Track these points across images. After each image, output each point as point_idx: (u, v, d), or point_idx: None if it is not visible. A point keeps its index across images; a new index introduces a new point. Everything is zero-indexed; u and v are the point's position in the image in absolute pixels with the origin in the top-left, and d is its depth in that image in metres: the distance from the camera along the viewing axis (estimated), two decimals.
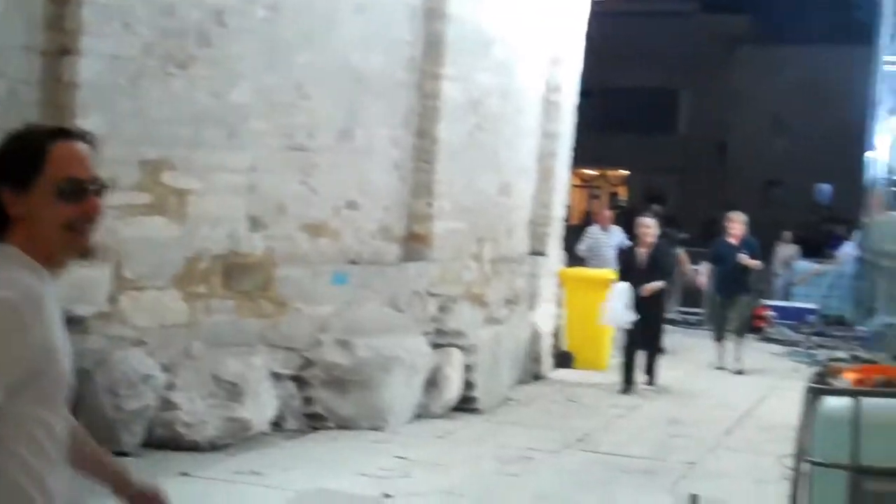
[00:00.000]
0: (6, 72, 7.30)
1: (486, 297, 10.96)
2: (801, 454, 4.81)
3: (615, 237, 15.61)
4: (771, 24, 38.14)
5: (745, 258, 13.67)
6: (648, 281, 11.75)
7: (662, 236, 14.96)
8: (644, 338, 11.88)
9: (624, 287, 11.68)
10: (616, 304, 11.65)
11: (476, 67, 10.65)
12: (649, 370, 12.06)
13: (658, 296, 12.05)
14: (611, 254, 14.76)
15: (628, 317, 11.57)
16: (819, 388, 4.67)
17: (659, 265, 12.08)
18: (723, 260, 14.11)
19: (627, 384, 11.66)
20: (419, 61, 10.10)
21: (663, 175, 39.78)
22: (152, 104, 7.85)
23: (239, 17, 8.33)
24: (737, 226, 14.06)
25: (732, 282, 14.01)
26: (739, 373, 13.52)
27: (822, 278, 22.23)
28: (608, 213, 16.77)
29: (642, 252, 12.08)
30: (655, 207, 15.86)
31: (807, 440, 4.68)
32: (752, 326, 15.46)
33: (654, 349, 12.15)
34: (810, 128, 36.30)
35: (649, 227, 12.23)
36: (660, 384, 11.99)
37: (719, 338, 14.07)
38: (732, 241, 13.96)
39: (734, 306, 13.97)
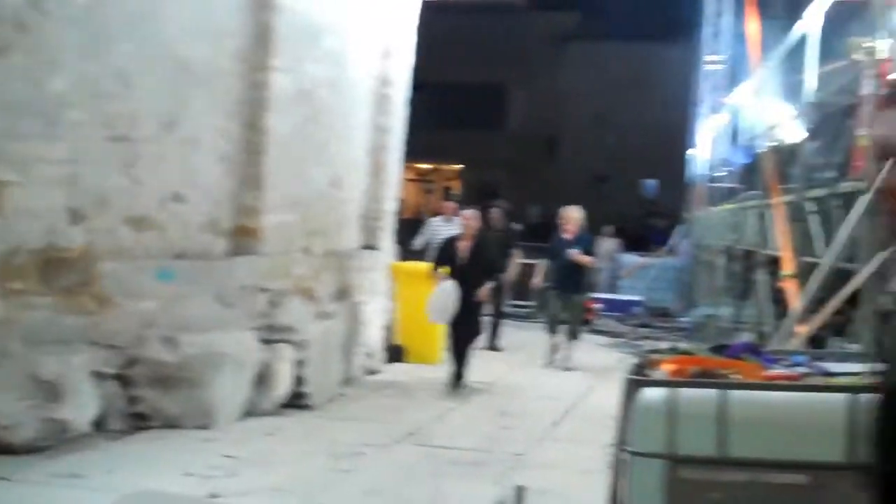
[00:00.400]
0: None
1: (316, 291, 10.83)
2: (620, 444, 4.88)
3: (456, 228, 15.20)
4: (599, 21, 38.94)
5: (575, 254, 13.46)
6: (470, 275, 11.39)
7: (505, 231, 15.15)
8: (463, 333, 11.58)
9: (448, 285, 11.38)
10: (439, 302, 11.40)
11: (306, 59, 10.52)
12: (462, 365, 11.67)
13: (476, 288, 11.52)
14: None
15: (449, 314, 11.35)
16: (637, 380, 4.74)
17: (482, 259, 11.72)
18: (556, 256, 13.87)
19: (455, 380, 11.45)
20: (248, 51, 9.89)
21: (495, 170, 40.27)
22: None
23: (58, 4, 7.99)
24: (570, 221, 13.81)
25: (566, 279, 13.70)
26: (567, 370, 13.37)
27: (646, 271, 22.85)
28: (452, 204, 16.42)
29: (464, 245, 11.76)
30: (500, 202, 15.70)
31: (626, 430, 4.75)
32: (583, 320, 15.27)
33: (469, 344, 11.71)
34: (637, 124, 37.24)
35: (470, 218, 11.98)
36: (487, 379, 12.06)
37: (552, 331, 13.86)
38: (567, 236, 13.73)
39: (569, 304, 13.73)
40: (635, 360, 5.17)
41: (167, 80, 9.05)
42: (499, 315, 15.18)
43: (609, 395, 11.02)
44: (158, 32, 8.91)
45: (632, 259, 23.75)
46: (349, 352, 11.27)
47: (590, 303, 18.80)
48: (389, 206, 13.10)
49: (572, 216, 13.82)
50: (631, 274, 23.04)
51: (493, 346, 14.81)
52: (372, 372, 12.10)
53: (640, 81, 36.46)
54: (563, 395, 11.40)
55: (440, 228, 15.28)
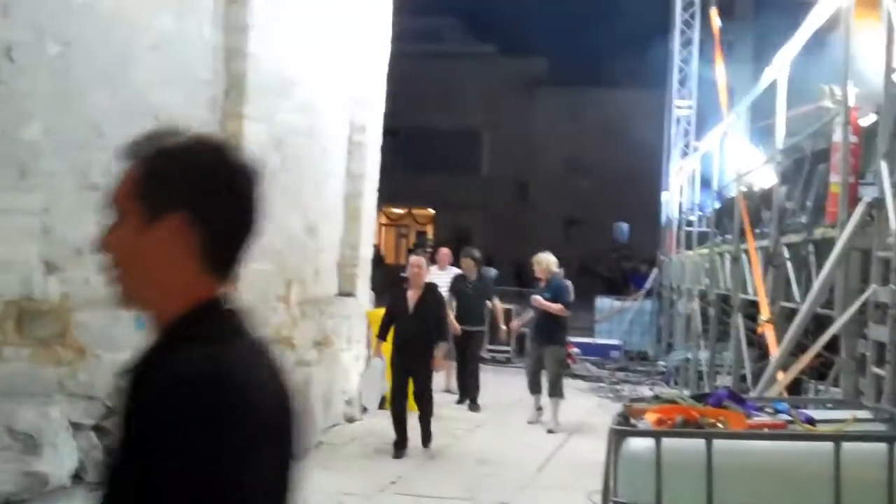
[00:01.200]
0: None
1: (294, 339, 10.76)
2: (607, 494, 4.86)
3: (450, 277, 14.73)
4: (568, 68, 39.29)
5: (538, 300, 12.62)
6: (417, 331, 10.45)
7: (480, 279, 14.88)
8: (419, 395, 10.67)
9: (378, 365, 10.55)
10: (368, 383, 10.64)
11: (279, 108, 10.53)
12: (425, 431, 10.66)
13: (425, 347, 10.53)
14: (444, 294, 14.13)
15: (379, 396, 10.70)
16: (622, 430, 4.73)
17: (430, 312, 10.59)
18: (530, 304, 13.23)
19: (399, 445, 10.45)
20: (220, 100, 9.91)
21: (469, 213, 40.35)
22: None
23: (29, 53, 7.95)
24: (540, 267, 12.91)
25: (539, 328, 12.85)
26: (551, 432, 12.11)
27: (623, 314, 22.87)
28: (446, 252, 15.70)
29: (412, 296, 10.70)
30: (471, 251, 14.82)
31: (612, 480, 4.73)
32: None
33: (428, 407, 10.74)
34: (608, 168, 37.47)
35: (420, 266, 10.83)
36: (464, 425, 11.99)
37: (532, 389, 12.89)
38: (540, 283, 12.89)
39: (543, 355, 12.68)
40: (619, 410, 5.16)
41: (141, 130, 8.89)
42: (474, 364, 14.34)
43: (590, 440, 11.09)
44: (131, 81, 8.89)
45: (608, 303, 23.78)
46: (329, 400, 11.19)
47: (568, 349, 18.84)
48: (365, 253, 13.06)
49: (542, 261, 12.97)
50: (608, 318, 23.06)
51: (471, 402, 13.92)
52: (351, 420, 12.01)
53: (611, 126, 36.71)
54: (543, 441, 11.36)
55: (433, 278, 14.39)
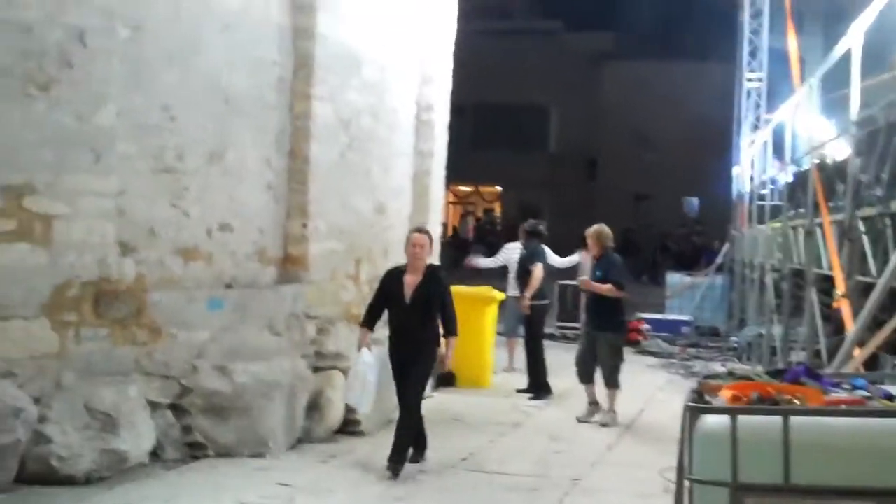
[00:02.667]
0: None
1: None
2: (682, 472, 4.83)
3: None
4: (635, 41, 38.91)
5: (587, 282, 11.15)
6: (415, 318, 8.64)
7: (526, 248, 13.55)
8: (406, 406, 8.76)
9: (369, 360, 8.78)
10: (355, 383, 8.86)
11: (346, 87, 10.56)
12: (396, 447, 8.46)
13: (422, 345, 8.71)
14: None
15: (369, 400, 8.94)
16: (697, 407, 4.69)
17: (430, 302, 8.66)
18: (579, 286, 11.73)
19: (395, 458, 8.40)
20: (289, 81, 9.97)
21: (536, 190, 40.21)
22: (13, 127, 7.57)
23: (101, 38, 8.07)
24: (590, 242, 11.38)
25: (591, 312, 11.31)
26: (605, 426, 10.77)
27: (694, 290, 22.71)
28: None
29: (410, 282, 8.71)
30: (529, 222, 14.02)
31: (687, 458, 4.70)
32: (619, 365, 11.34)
33: (407, 416, 8.69)
34: (677, 142, 37.08)
35: (422, 246, 8.75)
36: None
37: (584, 380, 11.27)
38: (592, 260, 11.52)
39: (596, 343, 11.12)
40: (693, 387, 5.12)
41: (211, 112, 9.12)
42: (531, 343, 13.14)
43: (662, 417, 11.04)
44: (201, 64, 8.99)
45: (679, 278, 23.63)
46: None
47: (637, 323, 18.77)
48: (434, 231, 13.06)
49: (592, 236, 11.35)
50: (678, 294, 22.91)
51: (530, 389, 12.84)
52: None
53: (679, 100, 36.32)
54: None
55: (514, 252, 13.98)
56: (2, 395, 7.21)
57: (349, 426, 9.82)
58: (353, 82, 10.65)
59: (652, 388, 13.53)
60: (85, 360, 7.96)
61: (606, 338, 11.06)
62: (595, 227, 11.39)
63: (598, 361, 11.08)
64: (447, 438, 10.00)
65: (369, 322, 8.91)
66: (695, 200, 37.28)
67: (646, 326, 19.27)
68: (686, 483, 4.75)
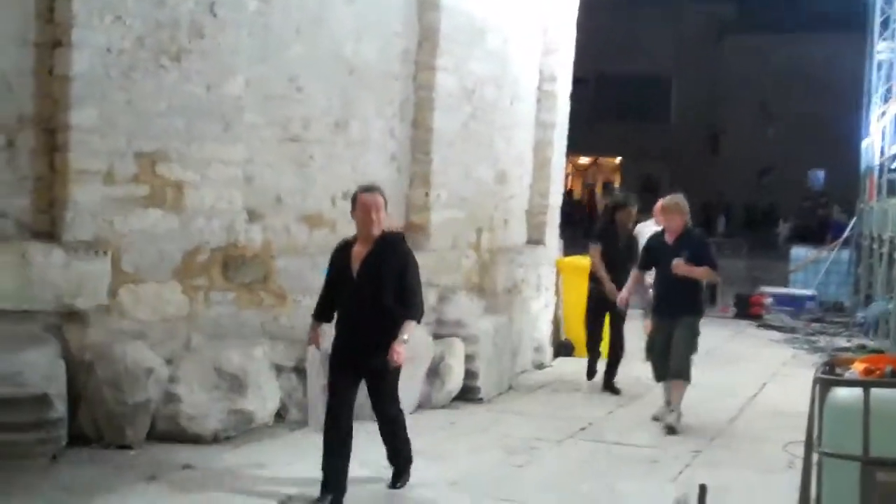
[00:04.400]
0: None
1: (485, 286, 10.90)
2: (811, 445, 4.78)
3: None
4: (759, 13, 38.19)
5: (682, 266, 9.29)
6: (366, 300, 6.62)
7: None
8: (374, 407, 6.97)
9: (315, 358, 8.07)
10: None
11: (470, 57, 10.60)
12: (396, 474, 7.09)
13: (380, 334, 6.59)
14: None
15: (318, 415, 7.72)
16: (829, 380, 4.63)
17: (385, 275, 6.66)
18: (655, 263, 9.77)
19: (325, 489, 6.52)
20: (413, 52, 10.06)
21: (656, 162, 39.83)
22: (146, 97, 7.77)
23: (231, 9, 8.25)
24: (668, 216, 9.68)
25: (668, 298, 9.52)
26: (672, 431, 9.12)
27: (818, 264, 22.28)
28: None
29: (358, 253, 6.74)
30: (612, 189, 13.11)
31: (817, 431, 4.65)
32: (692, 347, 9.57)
33: (391, 434, 7.03)
34: (802, 115, 36.36)
35: (377, 209, 6.67)
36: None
37: (659, 377, 9.68)
38: (666, 237, 9.65)
39: (678, 330, 9.37)
40: (824, 359, 5.06)
41: (336, 82, 9.27)
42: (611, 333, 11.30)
43: (785, 391, 10.90)
44: (326, 35, 9.13)
45: (803, 252, 23.20)
46: (518, 346, 11.29)
47: (759, 297, 18.48)
48: (554, 201, 13.07)
49: (674, 207, 9.66)
50: (802, 268, 22.50)
51: (609, 386, 11.09)
52: (540, 366, 12.11)
53: (804, 72, 35.61)
54: (737, 391, 11.18)
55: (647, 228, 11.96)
56: (134, 356, 7.47)
57: (469, 393, 9.91)
58: (476, 52, 10.68)
59: (775, 363, 13.33)
60: (213, 323, 8.19)
61: (688, 322, 9.40)
62: (672, 197, 9.83)
63: (672, 349, 9.35)
64: (566, 408, 10.03)
65: (321, 313, 7.03)
66: (820, 173, 36.52)
67: (768, 300, 18.99)
68: (815, 457, 4.71)
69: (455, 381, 9.74)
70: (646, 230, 11.27)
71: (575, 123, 13.94)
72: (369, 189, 6.82)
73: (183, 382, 7.76)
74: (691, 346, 9.46)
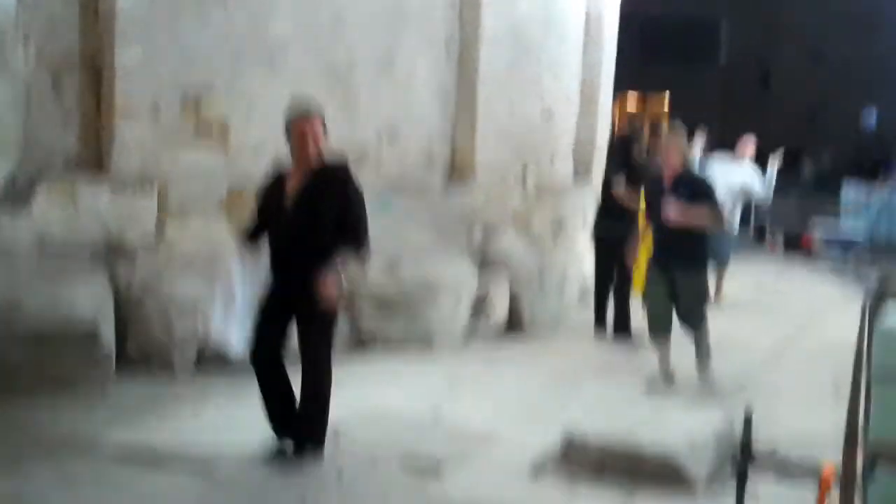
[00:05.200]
0: (45, 2, 7.34)
1: (530, 223, 10.92)
2: (860, 369, 4.74)
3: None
4: None
5: (675, 210, 8.02)
6: (300, 235, 5.91)
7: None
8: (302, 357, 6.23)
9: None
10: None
11: None
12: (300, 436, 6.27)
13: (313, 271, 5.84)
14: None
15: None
16: (881, 296, 4.57)
17: (322, 208, 5.96)
18: (649, 208, 8.64)
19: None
20: None
21: (706, 102, 39.38)
22: (191, 36, 7.85)
23: None
24: (670, 153, 8.31)
25: (667, 247, 8.27)
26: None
27: (870, 203, 22.04)
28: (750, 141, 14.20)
29: (293, 183, 6.06)
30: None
31: (867, 355, 4.61)
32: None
33: (311, 397, 6.25)
34: (855, 55, 35.77)
35: (314, 133, 6.07)
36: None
37: (661, 338, 8.54)
38: (665, 178, 8.30)
39: (677, 285, 8.24)
40: (876, 278, 4.99)
41: (381, 21, 9.28)
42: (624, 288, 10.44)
43: (834, 326, 10.81)
44: None
45: (855, 193, 22.92)
46: (563, 284, 11.31)
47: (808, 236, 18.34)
48: (601, 141, 13.02)
49: (672, 143, 8.43)
50: (853, 208, 22.24)
51: (621, 329, 10.31)
52: (585, 303, 12.11)
53: (859, 10, 34.97)
54: (784, 324, 11.15)
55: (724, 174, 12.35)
56: (182, 288, 7.63)
57: (512, 328, 9.99)
58: None
59: (823, 300, 13.25)
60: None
61: (691, 281, 8.28)
62: (672, 128, 9.17)
63: (680, 309, 8.31)
64: (609, 343, 10.06)
65: (250, 236, 6.27)
66: (873, 112, 36.00)
67: (818, 237, 18.88)
68: (863, 381, 4.67)
69: (500, 315, 9.82)
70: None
71: (623, 64, 13.83)
72: (305, 113, 6.06)
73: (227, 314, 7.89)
74: (703, 302, 8.50)
